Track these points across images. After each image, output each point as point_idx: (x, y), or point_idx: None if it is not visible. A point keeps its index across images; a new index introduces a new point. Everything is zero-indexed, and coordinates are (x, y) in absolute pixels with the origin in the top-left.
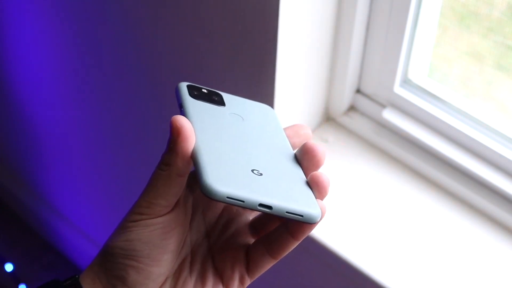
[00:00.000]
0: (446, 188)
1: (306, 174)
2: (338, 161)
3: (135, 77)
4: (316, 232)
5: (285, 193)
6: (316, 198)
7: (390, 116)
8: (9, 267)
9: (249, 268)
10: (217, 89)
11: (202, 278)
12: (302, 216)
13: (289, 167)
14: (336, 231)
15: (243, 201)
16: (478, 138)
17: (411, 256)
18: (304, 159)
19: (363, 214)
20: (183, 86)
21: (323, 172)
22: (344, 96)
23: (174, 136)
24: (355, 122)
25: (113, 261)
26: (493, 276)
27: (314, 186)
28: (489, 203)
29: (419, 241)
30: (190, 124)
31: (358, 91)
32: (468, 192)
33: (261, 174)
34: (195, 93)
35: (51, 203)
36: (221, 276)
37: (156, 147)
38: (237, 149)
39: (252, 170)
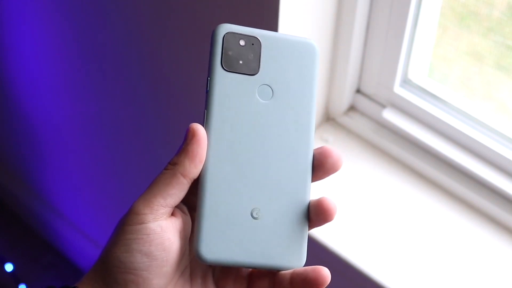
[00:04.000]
0: (446, 188)
1: (317, 176)
2: None
3: (136, 77)
4: (316, 232)
5: (274, 245)
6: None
7: (390, 116)
8: (9, 267)
9: None
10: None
11: None
12: (285, 269)
13: (296, 184)
14: (336, 231)
15: (230, 265)
16: (478, 138)
17: (411, 256)
18: (322, 169)
19: (363, 214)
20: (219, 37)
21: (331, 201)
22: (344, 96)
23: (187, 139)
24: (355, 122)
25: (113, 276)
26: (493, 276)
27: (320, 213)
28: (489, 203)
29: (419, 241)
30: (205, 133)
31: (358, 91)
32: (468, 192)
33: (258, 215)
34: (229, 52)
35: (51, 203)
36: None
37: (156, 147)
38: (247, 168)
39: (252, 212)
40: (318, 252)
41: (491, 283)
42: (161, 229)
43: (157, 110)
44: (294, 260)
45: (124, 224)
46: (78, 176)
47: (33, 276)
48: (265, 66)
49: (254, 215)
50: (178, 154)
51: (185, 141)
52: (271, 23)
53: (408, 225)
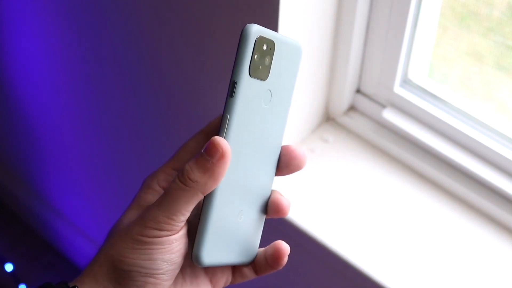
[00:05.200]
0: (446, 188)
1: (282, 173)
2: (338, 161)
3: (136, 77)
4: (316, 232)
5: (241, 244)
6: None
7: (390, 116)
8: (9, 267)
9: (234, 275)
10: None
11: (196, 282)
12: (243, 264)
13: (264, 184)
14: (336, 231)
15: (218, 266)
16: (478, 138)
17: (411, 256)
18: (287, 169)
19: (363, 214)
20: (251, 41)
21: (285, 199)
22: (344, 96)
23: (214, 157)
24: (355, 122)
25: (131, 278)
26: (493, 276)
27: (274, 212)
28: (489, 203)
29: (419, 241)
30: (231, 151)
31: (358, 91)
32: (468, 192)
33: (241, 218)
34: (256, 57)
35: (51, 203)
36: (210, 279)
37: (156, 147)
38: (243, 177)
39: (238, 216)
40: (318, 252)
41: (491, 283)
42: (180, 237)
43: (157, 110)
44: (249, 256)
45: (143, 235)
46: (78, 176)
47: (33, 276)
48: (273, 70)
49: (238, 219)
50: (200, 170)
51: (211, 158)
52: (271, 23)
53: (408, 225)
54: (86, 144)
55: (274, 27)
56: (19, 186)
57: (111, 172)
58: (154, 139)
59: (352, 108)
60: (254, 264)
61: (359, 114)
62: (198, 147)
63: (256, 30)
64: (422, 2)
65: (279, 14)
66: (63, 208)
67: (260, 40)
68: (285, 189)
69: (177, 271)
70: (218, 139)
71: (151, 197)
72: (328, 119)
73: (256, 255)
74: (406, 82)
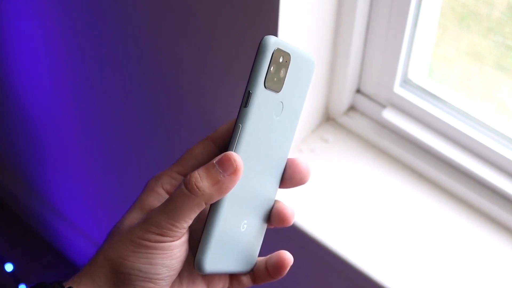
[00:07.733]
0: (446, 188)
1: (286, 186)
2: (338, 161)
3: (135, 76)
4: (316, 232)
5: (243, 252)
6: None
7: (390, 116)
8: (9, 267)
9: (231, 282)
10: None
11: (193, 287)
12: (243, 273)
13: (268, 194)
14: (336, 231)
15: (219, 273)
16: (478, 138)
17: (411, 256)
18: (290, 182)
19: (363, 214)
20: (269, 53)
21: (289, 208)
22: (344, 96)
23: (228, 171)
24: (355, 122)
25: (129, 281)
26: (493, 276)
27: (279, 221)
28: (489, 203)
29: (419, 241)
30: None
31: (358, 91)
32: (468, 192)
33: (244, 227)
34: (272, 69)
35: (51, 203)
36: (207, 285)
37: (156, 147)
38: (251, 188)
39: (242, 225)
40: (318, 252)
41: (491, 283)
42: (181, 244)
43: (157, 110)
44: (249, 264)
45: (144, 239)
46: (78, 176)
47: (33, 276)
48: (286, 83)
49: (241, 228)
50: (210, 180)
51: (224, 171)
52: (271, 23)
53: (408, 225)
54: (86, 144)
55: (274, 27)
56: (19, 186)
57: (111, 172)
58: (154, 139)
59: (352, 108)
60: (253, 272)
61: (359, 114)
62: (204, 153)
63: (274, 42)
64: (422, 2)
65: (279, 14)
66: (63, 208)
67: (277, 53)
68: (285, 189)
69: (175, 277)
70: (234, 154)
71: (154, 200)
72: (328, 119)
73: (256, 264)
74: (406, 82)
